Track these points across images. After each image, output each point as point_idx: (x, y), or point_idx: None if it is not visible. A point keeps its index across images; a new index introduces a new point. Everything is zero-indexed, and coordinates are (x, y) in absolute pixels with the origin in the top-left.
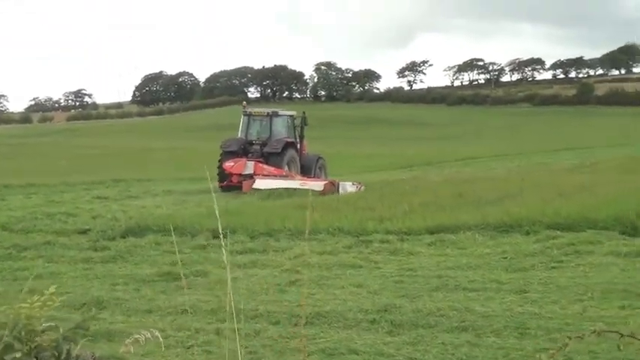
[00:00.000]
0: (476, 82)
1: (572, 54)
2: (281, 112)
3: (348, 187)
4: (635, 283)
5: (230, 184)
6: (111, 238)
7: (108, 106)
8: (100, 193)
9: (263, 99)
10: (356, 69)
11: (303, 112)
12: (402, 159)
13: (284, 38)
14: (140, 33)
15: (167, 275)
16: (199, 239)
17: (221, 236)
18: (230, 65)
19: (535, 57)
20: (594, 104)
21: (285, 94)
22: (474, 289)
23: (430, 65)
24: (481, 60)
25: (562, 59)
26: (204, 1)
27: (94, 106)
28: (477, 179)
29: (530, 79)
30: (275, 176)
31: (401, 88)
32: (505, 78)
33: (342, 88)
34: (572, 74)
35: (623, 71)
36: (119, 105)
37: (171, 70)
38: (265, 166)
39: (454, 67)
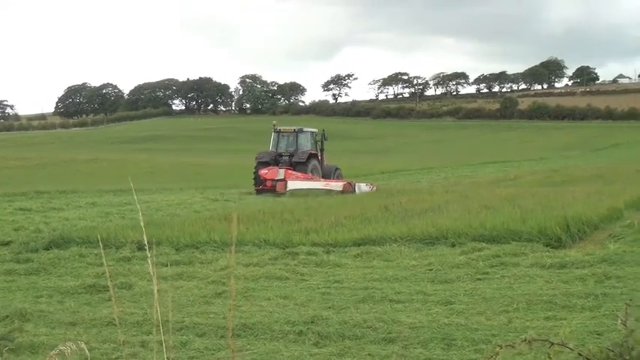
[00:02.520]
0: (400, 96)
1: (495, 69)
2: (305, 129)
3: (363, 187)
4: (559, 295)
5: (265, 187)
6: (34, 250)
7: (30, 118)
8: (23, 204)
9: (188, 111)
10: (281, 82)
11: (323, 130)
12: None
13: (209, 51)
14: (64, 43)
15: (91, 287)
16: (124, 251)
17: (147, 248)
18: (154, 77)
19: (459, 71)
20: (517, 118)
21: (210, 107)
22: (400, 300)
23: (355, 79)
24: (406, 74)
25: (485, 74)
26: (127, 12)
27: (16, 117)
28: (403, 192)
29: (454, 93)
30: (303, 179)
31: (326, 101)
32: (429, 92)
33: (268, 101)
34: (496, 89)
35: (545, 86)
36: (42, 116)
37: (95, 82)
38: (294, 172)
39: (379, 80)
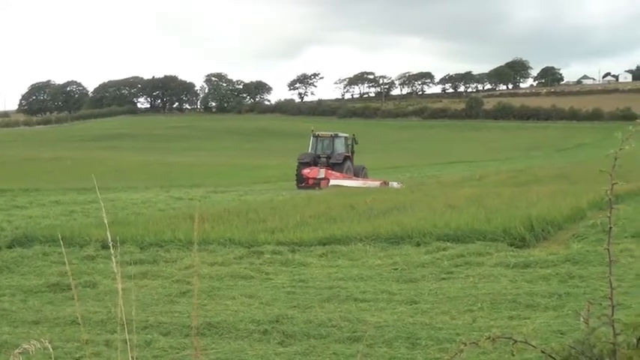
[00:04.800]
0: (366, 95)
1: (460, 69)
2: (340, 134)
3: (395, 184)
4: (523, 294)
5: (307, 184)
6: None
7: None
8: None
9: (153, 110)
10: (247, 80)
11: (353, 135)
12: (293, 170)
13: (174, 49)
14: (27, 40)
15: (55, 286)
16: (88, 250)
17: (111, 246)
18: (119, 75)
19: (424, 71)
20: (483, 118)
21: (175, 105)
22: (365, 299)
23: (321, 78)
24: (371, 73)
25: (451, 74)
26: (92, 9)
27: None
28: (369, 191)
29: (419, 92)
30: (342, 178)
31: (292, 100)
32: (395, 91)
33: (233, 99)
34: (461, 89)
35: (510, 86)
36: (5, 114)
37: (59, 79)
38: (333, 172)
39: (345, 80)
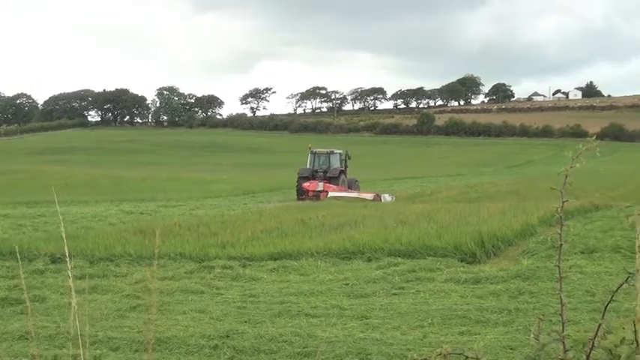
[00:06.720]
0: (318, 110)
1: (412, 84)
2: (335, 151)
3: (387, 197)
4: (474, 310)
5: (307, 197)
6: None
7: None
8: None
9: (104, 123)
10: (199, 94)
11: (346, 151)
12: (244, 185)
13: (126, 62)
14: None
15: (3, 301)
16: (37, 264)
17: (68, 260)
18: (70, 88)
19: (377, 87)
20: (434, 134)
21: (126, 119)
22: (316, 315)
23: (273, 92)
24: (324, 88)
25: (403, 89)
26: (44, 22)
27: None
28: (320, 206)
29: (372, 108)
30: (339, 190)
31: (244, 114)
32: (347, 107)
33: (185, 113)
34: (413, 104)
35: (461, 102)
36: None
37: (8, 92)
38: (330, 185)
39: (297, 94)
